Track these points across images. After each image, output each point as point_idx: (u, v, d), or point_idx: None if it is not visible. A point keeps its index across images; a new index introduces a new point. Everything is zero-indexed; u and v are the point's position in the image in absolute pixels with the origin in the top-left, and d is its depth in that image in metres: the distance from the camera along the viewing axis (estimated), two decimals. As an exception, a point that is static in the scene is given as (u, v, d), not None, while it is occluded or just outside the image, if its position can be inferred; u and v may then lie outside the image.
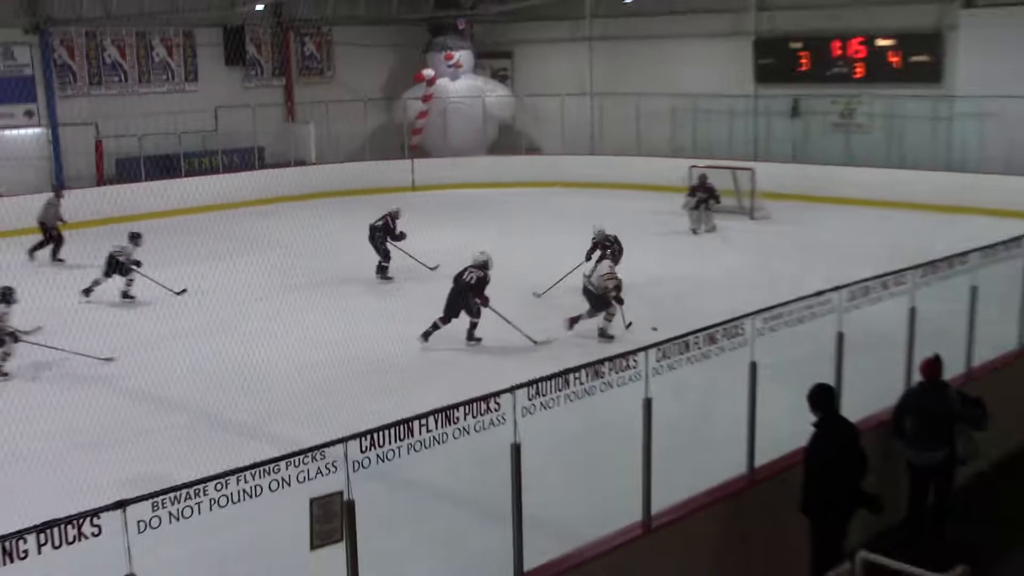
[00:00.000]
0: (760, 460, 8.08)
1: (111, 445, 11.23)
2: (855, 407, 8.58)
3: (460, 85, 32.48)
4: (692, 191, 23.79)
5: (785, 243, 21.42)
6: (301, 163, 30.82)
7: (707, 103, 30.33)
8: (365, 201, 25.76)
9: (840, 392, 8.29)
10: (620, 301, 15.09)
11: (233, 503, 5.23)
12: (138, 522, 4.86)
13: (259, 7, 28.83)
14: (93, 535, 4.78)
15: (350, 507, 5.64)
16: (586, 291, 15.23)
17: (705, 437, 10.36)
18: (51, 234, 22.09)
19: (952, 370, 9.48)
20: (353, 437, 5.65)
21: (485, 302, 15.16)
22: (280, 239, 21.63)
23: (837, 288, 8.62)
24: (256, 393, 12.74)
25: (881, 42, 27.41)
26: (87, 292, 18.06)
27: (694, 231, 23.18)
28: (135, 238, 18.85)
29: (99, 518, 4.79)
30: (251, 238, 21.86)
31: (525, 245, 21.44)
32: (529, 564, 6.57)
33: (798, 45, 28.88)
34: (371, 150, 32.33)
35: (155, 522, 4.94)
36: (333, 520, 5.62)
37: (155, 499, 4.95)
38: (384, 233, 19.35)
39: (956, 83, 26.28)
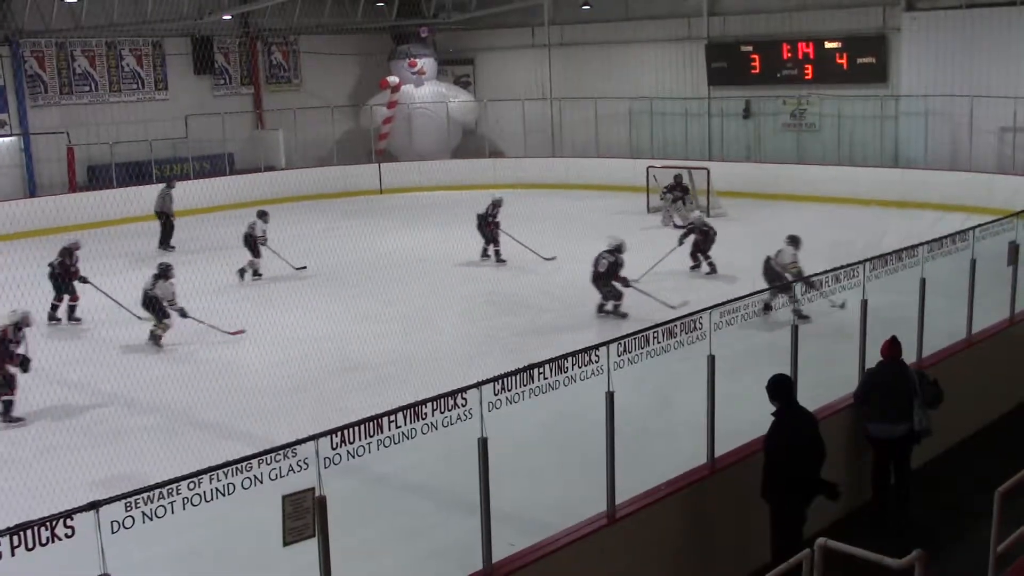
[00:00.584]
0: (720, 449, 8.08)
1: (84, 447, 11.09)
2: (812, 396, 8.61)
3: (424, 91, 32.40)
4: (669, 189, 24.01)
5: (740, 240, 21.47)
6: (271, 168, 30.63)
7: (663, 105, 30.43)
8: (334, 204, 25.66)
9: (796, 382, 8.31)
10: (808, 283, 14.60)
11: (206, 502, 5.16)
12: (112, 522, 4.77)
13: (227, 17, 28.62)
14: (67, 536, 4.68)
15: (322, 503, 5.58)
16: (768, 273, 14.95)
17: (667, 428, 10.37)
18: (169, 221, 23.04)
19: (904, 359, 9.53)
20: (324, 434, 5.59)
21: (624, 283, 15.46)
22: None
23: (791, 282, 8.64)
24: (228, 393, 12.63)
25: (829, 45, 27.59)
26: (256, 274, 19.50)
27: (675, 224, 23.41)
28: (263, 215, 20.02)
29: (72, 519, 4.69)
30: (223, 242, 21.66)
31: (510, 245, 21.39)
32: (498, 555, 6.52)
33: (749, 49, 29.02)
34: (339, 155, 32.18)
35: (128, 522, 4.85)
36: (305, 516, 5.56)
37: (128, 499, 4.87)
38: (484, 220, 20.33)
39: (901, 83, 26.54)
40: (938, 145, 25.86)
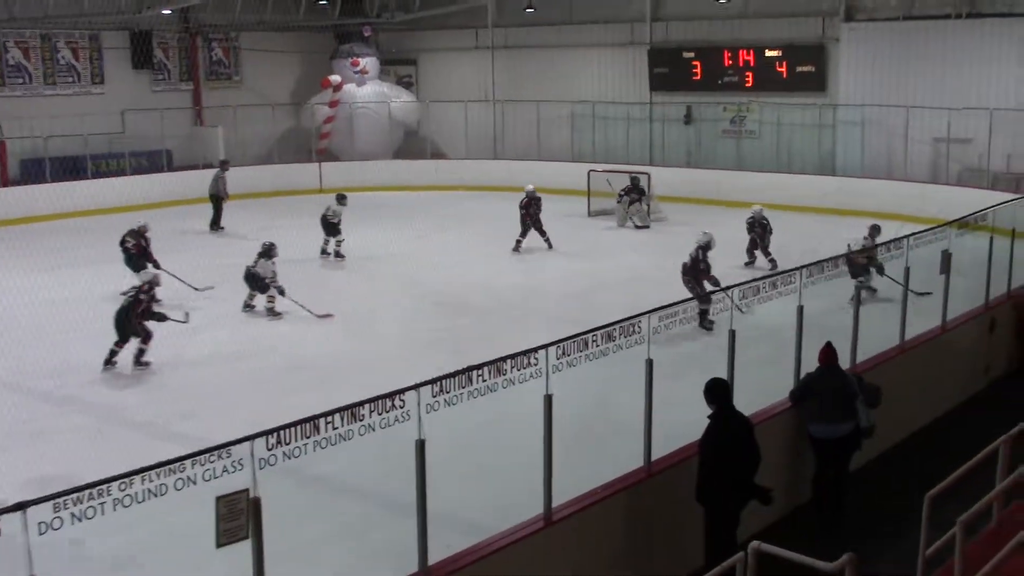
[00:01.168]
0: (657, 453, 8.13)
1: (11, 447, 10.87)
2: (749, 400, 8.69)
3: (366, 91, 32.26)
4: (626, 191, 24.24)
5: (680, 244, 21.61)
6: (209, 166, 30.16)
7: (605, 110, 30.59)
8: (274, 203, 25.44)
9: (733, 386, 8.39)
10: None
11: (138, 502, 5.10)
12: (39, 523, 4.70)
13: (166, 12, 28.25)
14: (-8, 537, 4.61)
15: (256, 504, 5.54)
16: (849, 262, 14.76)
17: (604, 431, 10.41)
18: (219, 204, 23.98)
19: (842, 364, 9.68)
20: (259, 435, 5.56)
21: (714, 282, 14.60)
22: (190, 240, 21.23)
23: (729, 288, 8.72)
24: (162, 392, 12.48)
25: (769, 53, 27.93)
26: (338, 255, 20.42)
27: (635, 225, 23.78)
28: (342, 199, 20.86)
29: (-1, 520, 4.61)
30: (159, 240, 21.38)
31: (430, 245, 21.38)
32: (434, 557, 6.52)
33: (691, 55, 29.26)
34: (279, 154, 31.95)
35: (57, 523, 4.78)
36: (239, 517, 5.51)
37: (57, 500, 4.79)
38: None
39: (839, 92, 26.92)
40: (874, 154, 26.31)
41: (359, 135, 31.90)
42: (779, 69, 27.86)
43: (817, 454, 9.28)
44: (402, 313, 16.36)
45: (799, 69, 27.56)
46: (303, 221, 21.64)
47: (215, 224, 24.18)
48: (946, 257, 11.95)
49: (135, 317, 13.77)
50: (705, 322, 13.51)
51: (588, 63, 31.19)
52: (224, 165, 25.22)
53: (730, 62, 28.56)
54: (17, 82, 27.94)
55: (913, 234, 11.64)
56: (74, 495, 4.85)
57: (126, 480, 5.04)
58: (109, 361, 13.73)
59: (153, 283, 14.19)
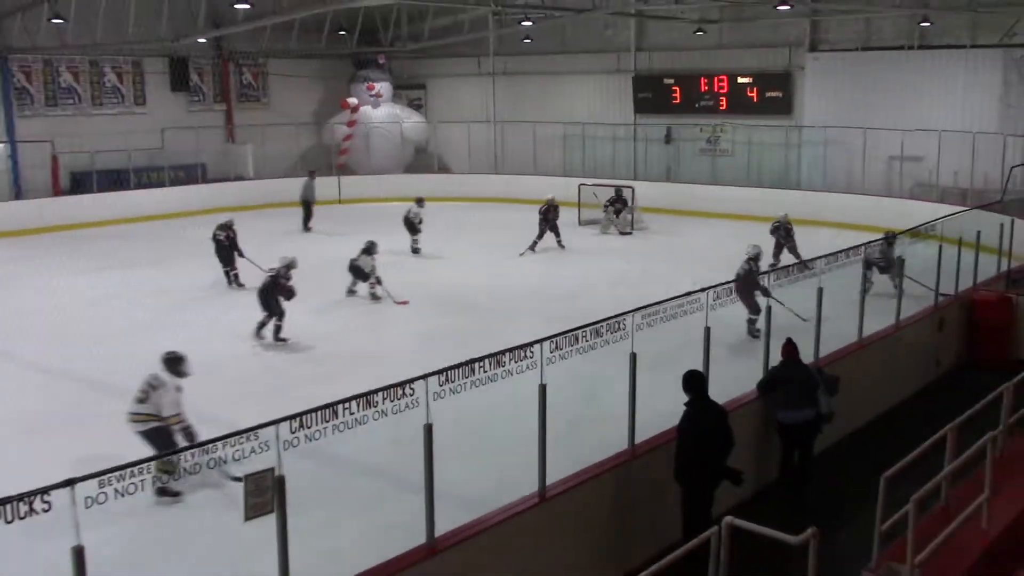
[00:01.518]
0: (640, 436, 8.12)
1: (60, 429, 10.85)
2: (721, 390, 8.68)
3: (380, 112, 32.23)
4: (611, 202, 24.28)
5: (660, 250, 21.66)
6: (240, 179, 30.27)
7: (594, 130, 30.57)
8: (297, 213, 25.40)
9: (708, 377, 8.37)
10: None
11: (175, 480, 5.07)
12: (86, 498, 4.67)
13: (202, 40, 28.21)
14: (43, 511, 4.57)
15: (280, 482, 5.52)
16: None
17: (593, 417, 10.39)
18: (310, 208, 24.62)
19: (804, 359, 9.66)
20: (284, 419, 5.54)
21: (765, 293, 13.99)
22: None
23: (704, 289, 8.70)
24: (197, 381, 12.41)
25: (741, 80, 27.92)
26: (415, 251, 20.92)
27: (620, 232, 23.79)
28: (420, 202, 21.40)
29: (49, 495, 4.58)
30: (195, 244, 21.33)
31: (436, 251, 21.35)
32: (440, 530, 6.50)
33: (671, 81, 29.26)
34: (302, 168, 31.88)
35: (102, 498, 4.75)
36: (265, 494, 5.49)
37: (102, 477, 4.77)
38: None
39: (804, 115, 26.94)
40: (835, 171, 26.32)
41: (374, 152, 31.88)
42: (750, 94, 27.86)
43: (783, 439, 9.29)
44: (411, 311, 16.34)
45: (768, 94, 27.57)
46: (324, 228, 21.65)
47: (305, 225, 24.78)
48: (899, 263, 11.94)
49: (273, 295, 14.27)
50: (753, 330, 13.47)
51: (579, 88, 31.19)
52: (312, 174, 25.86)
53: (706, 88, 28.56)
54: (68, 103, 27.89)
55: (870, 242, 11.63)
56: (117, 472, 4.83)
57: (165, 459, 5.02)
58: (258, 333, 14.47)
59: (290, 265, 14.56)
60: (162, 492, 7.84)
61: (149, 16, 24.68)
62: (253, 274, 16.45)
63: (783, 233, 18.76)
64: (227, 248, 18.20)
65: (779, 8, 21.44)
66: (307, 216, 24.99)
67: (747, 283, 13.30)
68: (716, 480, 7.79)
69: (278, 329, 14.36)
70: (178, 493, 8.13)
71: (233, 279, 18.05)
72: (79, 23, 24.40)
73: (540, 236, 21.43)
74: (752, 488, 8.89)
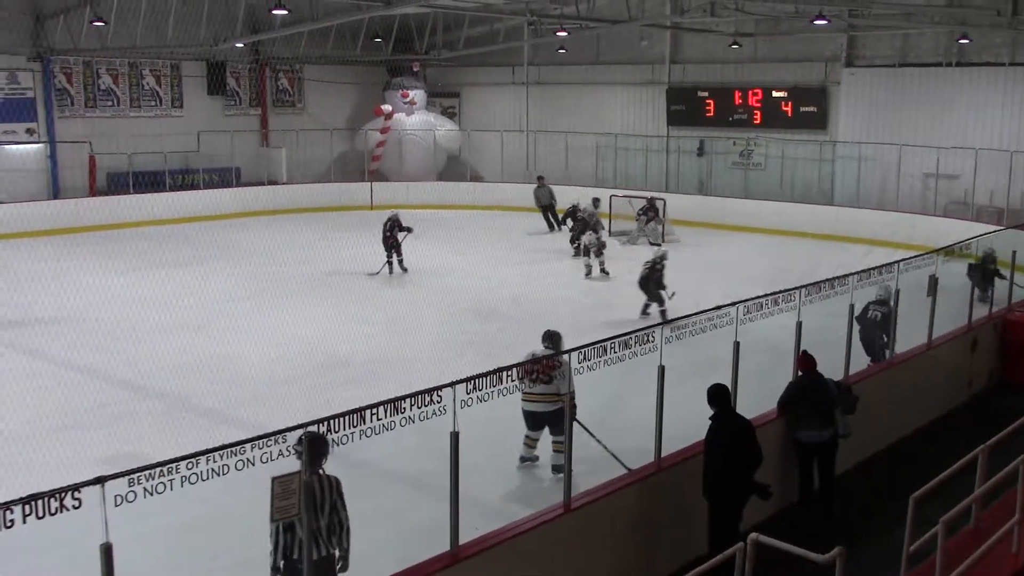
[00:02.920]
0: (666, 450, 8.08)
1: (92, 427, 10.96)
2: (750, 405, 8.63)
3: (414, 120, 32.36)
4: (643, 211, 24.33)
5: (691, 263, 21.55)
6: (273, 183, 30.47)
7: (626, 141, 30.53)
8: (329, 217, 25.57)
9: (736, 392, 8.33)
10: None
11: (203, 480, 5.11)
12: (115, 496, 4.72)
13: (239, 45, 28.47)
14: (74, 507, 4.63)
15: (307, 485, 5.54)
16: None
17: (619, 429, 10.36)
18: (549, 211, 26.07)
19: (833, 376, 9.59)
20: (312, 423, 5.56)
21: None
22: (254, 248, 21.36)
23: (735, 303, 8.66)
24: (226, 383, 12.53)
25: (776, 94, 27.78)
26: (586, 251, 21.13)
27: (650, 242, 23.62)
28: (596, 203, 22.21)
29: (80, 492, 4.64)
30: (228, 247, 21.54)
31: (467, 258, 21.39)
32: (464, 538, 6.50)
33: (705, 94, 29.17)
34: (335, 173, 32.11)
35: (131, 496, 4.80)
36: (291, 497, 5.52)
37: (131, 475, 4.82)
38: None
39: (838, 130, 26.76)
40: (869, 186, 26.11)
41: (407, 159, 32.00)
42: (784, 108, 27.72)
43: (801, 458, 9.17)
44: (440, 318, 16.37)
45: (802, 109, 27.42)
46: (356, 234, 21.72)
47: (552, 227, 26.01)
48: (933, 281, 11.83)
49: (651, 284, 15.65)
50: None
51: (612, 99, 31.17)
52: (541, 180, 27.09)
53: (740, 101, 28.45)
54: (107, 105, 28.24)
55: (903, 260, 11.54)
56: (147, 471, 4.87)
57: (193, 460, 5.06)
58: (644, 311, 15.90)
59: (664, 256, 16.06)
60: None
61: (188, 20, 24.95)
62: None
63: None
64: (391, 239, 19.84)
65: (815, 23, 21.32)
66: (553, 218, 26.18)
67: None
68: (744, 495, 7.74)
69: (663, 314, 15.45)
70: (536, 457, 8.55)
71: (396, 264, 19.84)
72: (120, 26, 24.73)
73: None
74: (780, 505, 8.83)
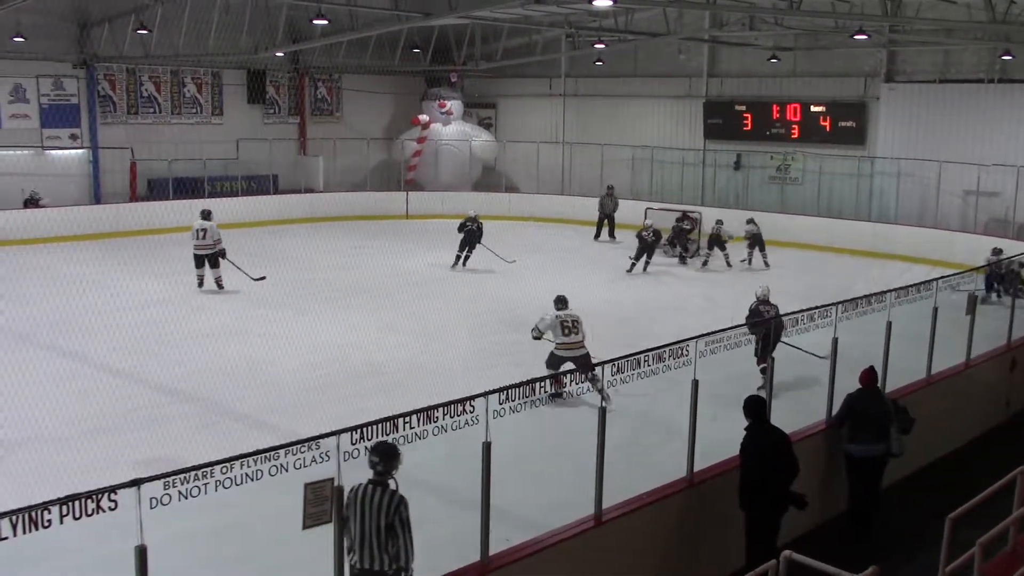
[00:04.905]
0: (700, 464, 8.03)
1: (128, 430, 11.06)
2: (786, 419, 8.56)
3: (450, 130, 32.48)
4: (679, 220, 24.41)
5: (726, 278, 21.46)
6: (311, 191, 30.71)
7: (662, 154, 30.44)
8: (365, 226, 25.70)
9: (771, 406, 8.26)
10: None
11: (236, 485, 5.14)
12: (151, 499, 4.77)
13: (279, 54, 28.75)
14: (110, 509, 4.68)
15: (339, 492, 5.56)
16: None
17: (651, 442, 10.31)
18: (610, 219, 26.58)
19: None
20: (345, 431, 5.58)
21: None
22: (290, 255, 21.50)
23: (771, 319, 8.60)
24: (261, 389, 12.61)
25: (814, 108, 27.60)
26: (686, 260, 22.82)
27: (681, 256, 23.71)
28: (720, 222, 22.82)
29: (116, 494, 4.69)
30: (265, 254, 21.68)
31: (501, 269, 21.39)
32: (494, 549, 6.49)
33: (742, 108, 29.04)
34: (371, 182, 32.29)
35: (166, 499, 4.84)
36: (324, 503, 5.54)
37: (167, 479, 4.86)
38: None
39: (877, 146, 26.53)
40: (908, 203, 25.83)
41: (442, 168, 32.12)
42: (823, 123, 27.51)
43: (851, 472, 9.11)
44: (472, 328, 16.39)
45: (841, 124, 27.20)
46: (391, 243, 21.88)
47: (611, 235, 26.35)
48: (972, 300, 11.69)
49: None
50: None
51: (649, 112, 31.10)
52: (610, 189, 27.39)
53: (778, 115, 28.28)
54: (148, 111, 28.60)
55: (942, 277, 11.41)
56: (182, 475, 4.91)
57: (227, 464, 5.09)
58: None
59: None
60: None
61: (230, 29, 25.24)
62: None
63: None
64: (475, 235, 21.42)
65: (856, 37, 21.17)
66: (611, 227, 26.54)
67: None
68: (781, 507, 7.67)
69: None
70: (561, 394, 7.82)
71: (462, 261, 21.33)
72: (163, 34, 25.06)
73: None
74: (816, 520, 8.74)
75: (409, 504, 5.85)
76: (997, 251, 18.59)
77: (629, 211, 26.91)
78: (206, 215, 19.14)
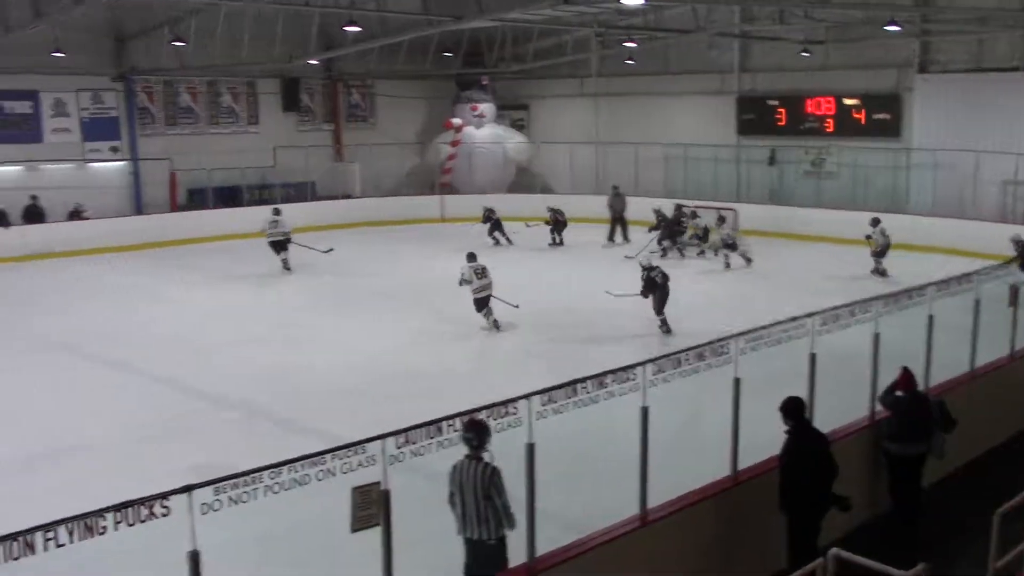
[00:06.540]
0: (743, 463, 7.98)
1: (174, 437, 11.19)
2: (827, 418, 8.48)
3: (483, 132, 32.55)
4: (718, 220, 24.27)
5: (764, 274, 21.30)
6: (347, 196, 30.92)
7: (696, 151, 30.29)
8: (401, 230, 25.82)
9: (813, 405, 8.19)
10: None
11: (285, 490, 5.18)
12: (202, 504, 4.81)
13: (313, 62, 28.97)
14: (163, 515, 4.73)
15: (386, 496, 5.59)
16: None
17: (694, 442, 10.26)
18: (619, 219, 26.31)
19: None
20: (391, 434, 5.61)
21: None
22: (328, 260, 21.64)
23: (810, 314, 8.53)
24: (302, 394, 12.70)
25: (848, 101, 27.37)
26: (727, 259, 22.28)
27: (699, 252, 23.67)
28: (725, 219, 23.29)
29: (168, 500, 4.74)
30: (305, 260, 21.86)
31: (538, 268, 21.40)
32: (540, 550, 6.49)
33: (775, 103, 28.86)
34: (407, 186, 32.45)
35: (217, 505, 4.89)
36: (371, 507, 5.57)
37: (218, 484, 4.91)
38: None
39: (913, 138, 26.25)
40: (945, 195, 25.49)
41: (477, 171, 32.19)
42: (857, 116, 27.27)
43: (891, 469, 9.03)
44: (508, 330, 16.39)
45: (875, 116, 26.94)
46: (427, 246, 21.94)
47: (625, 237, 26.05)
48: (1014, 291, 11.51)
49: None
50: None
51: (681, 109, 30.98)
52: (616, 189, 27.30)
53: (811, 109, 28.09)
54: (186, 122, 28.95)
55: (983, 269, 11.25)
56: (232, 481, 4.96)
57: (276, 470, 5.13)
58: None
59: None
60: None
61: (264, 39, 25.47)
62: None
63: None
64: (495, 224, 24.86)
65: (888, 28, 20.95)
66: (621, 228, 26.24)
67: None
68: (822, 509, 7.60)
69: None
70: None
71: (498, 241, 24.76)
72: (198, 46, 25.33)
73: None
74: (861, 519, 8.65)
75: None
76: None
77: (665, 208, 26.74)
78: (277, 211, 22.05)
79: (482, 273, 16.35)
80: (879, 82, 26.88)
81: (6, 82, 25.07)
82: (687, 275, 21.35)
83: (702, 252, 23.52)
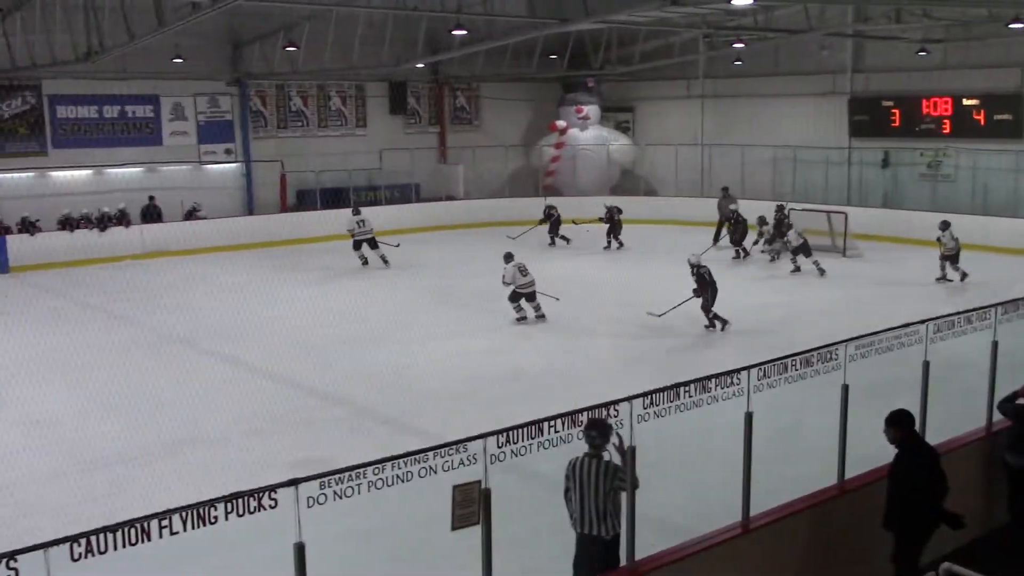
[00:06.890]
0: (849, 473, 7.78)
1: (283, 432, 11.48)
2: (940, 430, 8.21)
3: (588, 135, 32.50)
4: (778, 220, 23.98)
5: (875, 279, 20.74)
6: (451, 198, 31.24)
7: (805, 154, 29.66)
8: (506, 232, 25.93)
9: (926, 416, 7.94)
10: None
11: (388, 486, 5.26)
12: (307, 498, 4.93)
13: (419, 66, 29.36)
14: (270, 507, 4.86)
15: (487, 495, 5.63)
16: None
17: (799, 450, 10.05)
18: (732, 221, 25.06)
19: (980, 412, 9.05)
20: (492, 434, 5.65)
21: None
22: (433, 262, 21.92)
23: (924, 321, 8.26)
24: (406, 393, 12.88)
25: (966, 102, 26.41)
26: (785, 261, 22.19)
27: (772, 256, 23.41)
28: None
29: (276, 493, 4.87)
30: (409, 260, 22.19)
31: (640, 272, 21.25)
32: (640, 554, 6.45)
33: (890, 103, 28.04)
34: (510, 189, 32.59)
35: (322, 499, 5.00)
36: (472, 505, 5.62)
37: (323, 479, 5.02)
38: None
39: (1035, 139, 25.17)
40: (1071, 198, 24.43)
41: (580, 173, 32.16)
42: (976, 117, 26.29)
43: (1010, 481, 8.69)
44: (609, 334, 16.33)
45: (996, 117, 25.92)
46: (528, 249, 21.95)
47: (717, 240, 25.45)
48: None
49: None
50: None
51: (790, 111, 30.32)
52: (726, 191, 26.97)
53: (928, 110, 27.20)
54: (297, 125, 29.69)
55: None
56: (337, 475, 5.06)
57: (379, 466, 5.22)
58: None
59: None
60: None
61: (373, 43, 25.92)
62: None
63: None
64: (555, 222, 25.92)
65: (1011, 26, 20.15)
66: (732, 232, 25.05)
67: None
68: (931, 528, 7.33)
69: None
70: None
71: (556, 241, 25.87)
72: (309, 51, 25.95)
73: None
74: (974, 533, 8.34)
75: (551, 509, 5.93)
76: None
77: (769, 211, 26.31)
78: (358, 211, 23.07)
79: (525, 270, 16.98)
80: (1000, 82, 25.86)
81: (131, 87, 26.13)
82: (800, 280, 20.96)
83: (774, 258, 23.05)
